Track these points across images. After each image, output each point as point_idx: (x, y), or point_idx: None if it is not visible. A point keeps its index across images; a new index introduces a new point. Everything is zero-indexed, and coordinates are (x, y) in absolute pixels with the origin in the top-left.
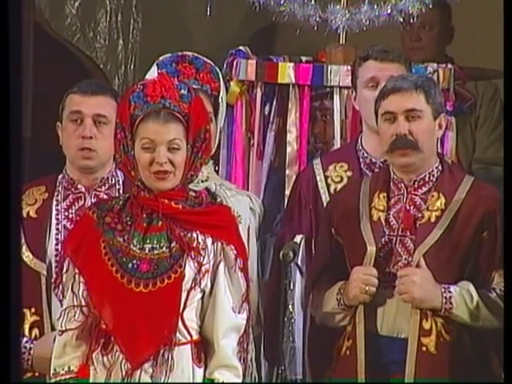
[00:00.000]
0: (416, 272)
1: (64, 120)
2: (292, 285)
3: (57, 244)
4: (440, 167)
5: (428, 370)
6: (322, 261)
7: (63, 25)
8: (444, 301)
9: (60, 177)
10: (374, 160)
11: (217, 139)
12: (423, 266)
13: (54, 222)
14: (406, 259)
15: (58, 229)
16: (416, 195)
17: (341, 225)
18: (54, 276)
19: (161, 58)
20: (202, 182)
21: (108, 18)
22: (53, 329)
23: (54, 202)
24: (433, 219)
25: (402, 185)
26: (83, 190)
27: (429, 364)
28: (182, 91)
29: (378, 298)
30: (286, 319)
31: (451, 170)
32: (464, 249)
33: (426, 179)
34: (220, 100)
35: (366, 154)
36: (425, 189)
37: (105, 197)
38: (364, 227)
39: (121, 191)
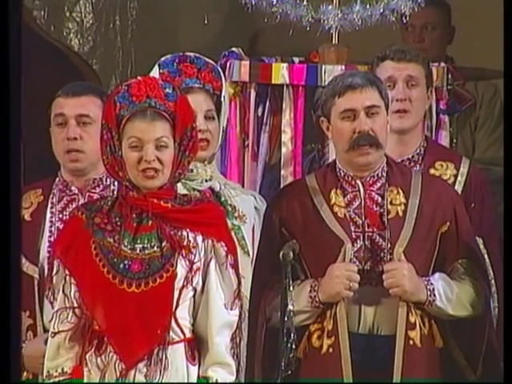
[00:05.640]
0: (404, 265)
1: (52, 125)
2: (292, 285)
3: (49, 247)
4: (386, 163)
5: (415, 363)
6: (270, 261)
7: (62, 25)
8: (428, 293)
9: (56, 179)
10: None
11: (220, 138)
12: (404, 259)
13: (47, 224)
14: (377, 255)
15: (51, 231)
16: (373, 191)
17: (297, 223)
18: (45, 278)
19: (163, 59)
20: (206, 181)
21: (104, 19)
22: (45, 331)
23: (49, 205)
24: (400, 213)
25: (358, 182)
26: (76, 191)
27: (416, 358)
28: (167, 90)
29: (355, 295)
30: (286, 319)
31: (397, 165)
32: (431, 241)
33: (379, 175)
34: (222, 99)
35: None
36: (379, 184)
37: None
38: (331, 224)
39: (115, 192)
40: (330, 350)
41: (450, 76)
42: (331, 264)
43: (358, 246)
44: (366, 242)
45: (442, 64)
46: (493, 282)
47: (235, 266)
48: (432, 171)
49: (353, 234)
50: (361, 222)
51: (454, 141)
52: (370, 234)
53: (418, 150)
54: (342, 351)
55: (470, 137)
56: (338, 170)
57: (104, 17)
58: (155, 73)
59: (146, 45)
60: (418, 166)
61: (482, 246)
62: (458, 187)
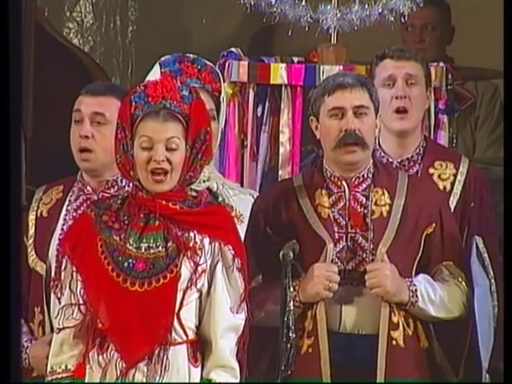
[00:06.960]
0: (387, 266)
1: (72, 121)
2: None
3: (59, 245)
4: (372, 164)
5: (398, 363)
6: (253, 259)
7: (63, 25)
8: (411, 294)
9: (78, 176)
10: (390, 160)
11: (219, 138)
12: (386, 260)
13: (60, 222)
14: (359, 255)
15: (62, 229)
16: (358, 192)
17: (282, 224)
18: (53, 274)
19: (163, 58)
20: (204, 181)
21: (104, 19)
22: (52, 329)
23: (66, 202)
24: (385, 214)
25: (343, 182)
26: (91, 191)
27: (399, 358)
28: (184, 92)
29: (336, 295)
30: (286, 319)
31: (384, 166)
32: (415, 242)
33: (365, 176)
34: (221, 100)
35: (382, 154)
36: (365, 185)
37: None
38: (315, 225)
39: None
40: (310, 350)
41: (449, 76)
42: (313, 264)
43: (341, 246)
44: (349, 243)
45: (441, 64)
46: (493, 281)
47: (242, 270)
48: (431, 171)
49: (336, 234)
50: (344, 222)
51: (454, 140)
52: (353, 234)
53: (418, 150)
54: (322, 352)
55: (471, 136)
56: (324, 170)
57: (104, 17)
58: (156, 72)
59: (145, 45)
60: (417, 165)
61: (481, 246)
62: (458, 187)
